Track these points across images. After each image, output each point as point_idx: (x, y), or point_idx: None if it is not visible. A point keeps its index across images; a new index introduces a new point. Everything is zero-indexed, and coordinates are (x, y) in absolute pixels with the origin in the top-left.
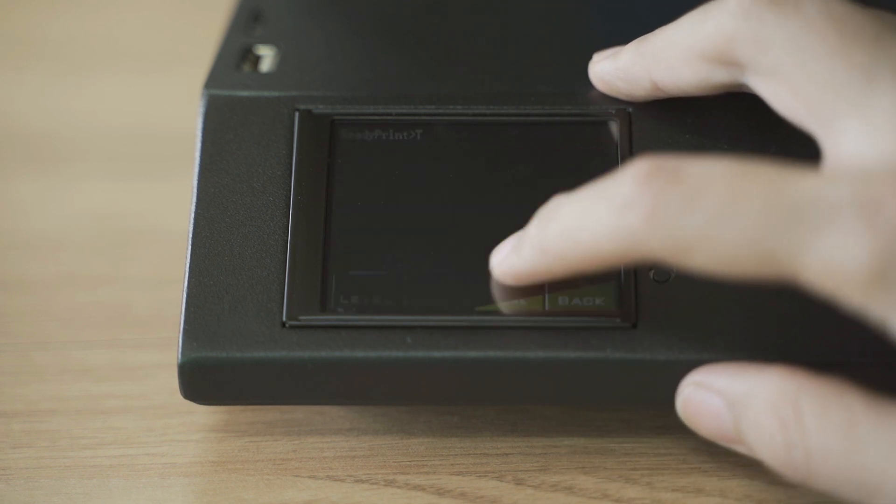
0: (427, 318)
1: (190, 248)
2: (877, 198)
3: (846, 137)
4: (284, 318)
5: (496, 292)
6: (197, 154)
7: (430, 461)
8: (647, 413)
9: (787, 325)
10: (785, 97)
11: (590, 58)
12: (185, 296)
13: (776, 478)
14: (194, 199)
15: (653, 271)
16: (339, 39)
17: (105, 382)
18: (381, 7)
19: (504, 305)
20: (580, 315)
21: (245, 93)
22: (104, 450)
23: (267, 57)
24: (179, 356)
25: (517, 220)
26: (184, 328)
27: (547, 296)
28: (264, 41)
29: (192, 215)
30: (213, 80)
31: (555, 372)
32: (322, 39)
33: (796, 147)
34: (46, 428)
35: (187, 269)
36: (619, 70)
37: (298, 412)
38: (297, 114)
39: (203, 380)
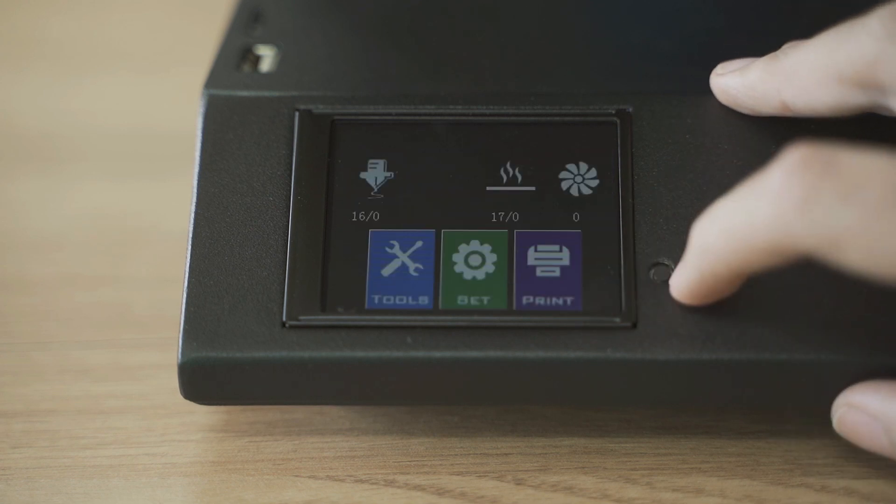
0: (427, 318)
1: (190, 248)
2: None
3: None
4: (284, 318)
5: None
6: (197, 154)
7: (430, 461)
8: (647, 413)
9: (787, 324)
10: None
11: (590, 57)
12: (185, 296)
13: (776, 478)
14: (194, 199)
15: (653, 271)
16: (339, 39)
17: (105, 382)
18: (381, 7)
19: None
20: (580, 315)
21: (245, 93)
22: (104, 450)
23: (267, 57)
24: (179, 356)
25: (517, 219)
26: (184, 328)
27: None
28: (264, 41)
29: (192, 215)
30: (213, 80)
31: (555, 372)
32: (322, 39)
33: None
34: (46, 428)
35: (187, 269)
36: (746, 87)
37: (298, 412)
38: (297, 114)
39: (203, 380)
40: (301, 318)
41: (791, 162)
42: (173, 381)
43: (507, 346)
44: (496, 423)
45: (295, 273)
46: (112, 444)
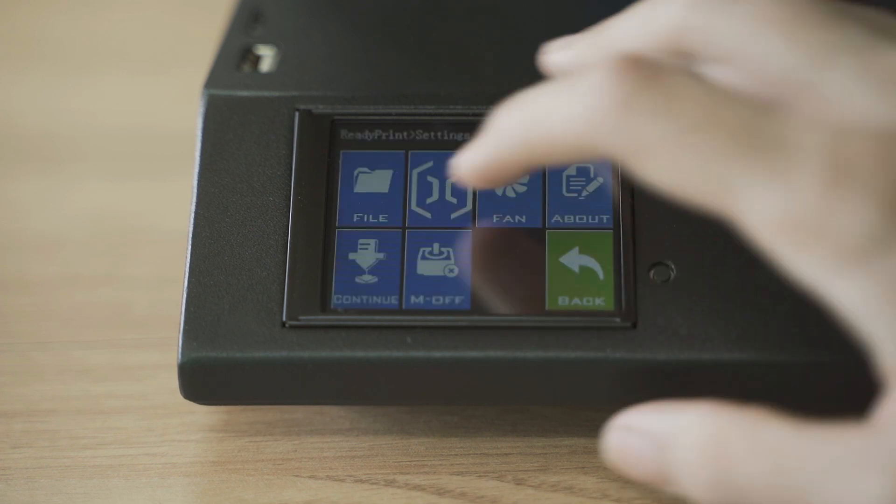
0: (427, 318)
1: (190, 248)
2: (845, 155)
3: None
4: (284, 318)
5: (496, 292)
6: (197, 154)
7: (430, 461)
8: None
9: (787, 324)
10: (741, 82)
11: None
12: (185, 296)
13: None
14: (194, 199)
15: (653, 271)
16: (339, 39)
17: (105, 382)
18: (381, 7)
19: (504, 305)
20: (580, 315)
21: (245, 93)
22: (104, 450)
23: (267, 57)
24: (179, 356)
25: (516, 217)
26: (184, 328)
27: (547, 296)
28: (264, 41)
29: (192, 215)
30: (213, 80)
31: (555, 372)
32: (322, 39)
33: None
34: (46, 428)
35: (187, 269)
36: (574, 59)
37: (298, 412)
38: (297, 114)
39: (203, 380)
40: (301, 318)
41: (615, 65)
42: (173, 381)
43: (508, 346)
44: (496, 423)
45: (295, 273)
46: (112, 444)
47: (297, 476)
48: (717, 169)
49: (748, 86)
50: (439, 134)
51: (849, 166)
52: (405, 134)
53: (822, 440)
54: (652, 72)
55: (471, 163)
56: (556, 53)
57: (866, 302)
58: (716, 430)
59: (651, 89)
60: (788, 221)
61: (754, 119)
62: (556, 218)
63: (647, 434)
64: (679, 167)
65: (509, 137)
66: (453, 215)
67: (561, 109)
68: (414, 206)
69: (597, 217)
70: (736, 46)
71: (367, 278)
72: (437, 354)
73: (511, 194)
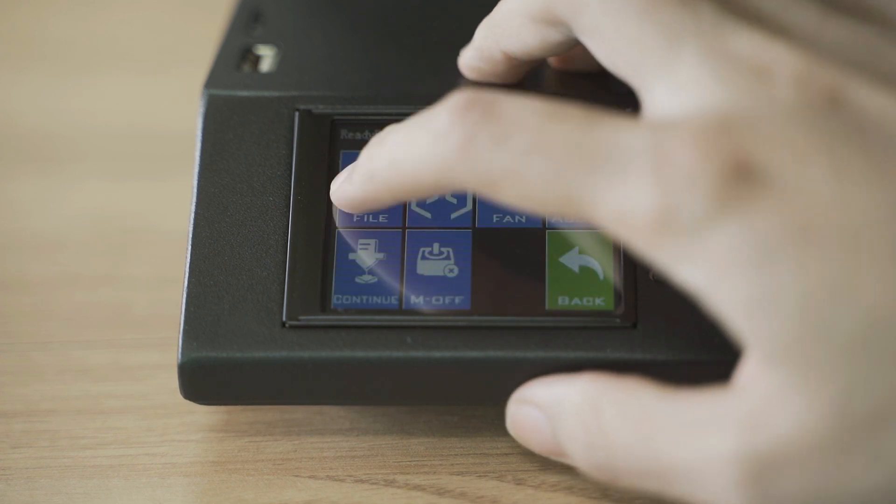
0: (427, 318)
1: (190, 248)
2: (665, 148)
3: (656, 94)
4: (284, 318)
5: (496, 292)
6: (197, 154)
7: (430, 461)
8: None
9: None
10: (605, 55)
11: None
12: (185, 296)
13: None
14: (194, 199)
15: (653, 271)
16: (339, 39)
17: (105, 382)
18: (381, 7)
19: (504, 305)
20: (580, 315)
21: (245, 93)
22: (104, 450)
23: (267, 57)
24: (179, 356)
25: (516, 217)
26: (184, 328)
27: (547, 296)
28: (264, 41)
29: (192, 215)
30: (213, 80)
31: (555, 372)
32: (322, 39)
33: None
34: (46, 428)
35: (187, 269)
36: (476, 51)
37: (298, 412)
38: (297, 114)
39: (203, 380)
40: (301, 318)
41: (455, 104)
42: (173, 381)
43: (508, 346)
44: (496, 423)
45: (295, 273)
46: (112, 444)
47: (297, 476)
48: (560, 182)
49: (612, 61)
50: None
51: (669, 159)
52: None
53: (684, 403)
54: (486, 105)
55: (344, 197)
56: (464, 53)
57: (708, 279)
58: (592, 396)
59: (487, 123)
60: (631, 219)
61: (583, 130)
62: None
63: (539, 405)
64: (528, 189)
65: (374, 177)
66: (453, 215)
67: (415, 151)
68: (414, 206)
69: None
70: (598, 21)
71: (367, 278)
72: (437, 354)
73: None
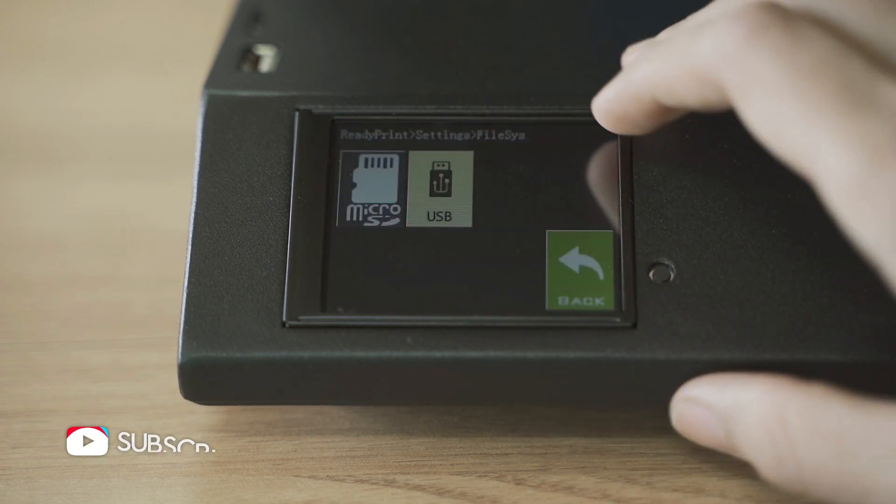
0: (427, 318)
1: (190, 248)
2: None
3: None
4: (284, 318)
5: (497, 292)
6: (197, 154)
7: (430, 461)
8: (647, 413)
9: (787, 324)
10: (764, 131)
11: (590, 57)
12: (185, 296)
13: None
14: (194, 199)
15: (653, 271)
16: (339, 39)
17: (105, 382)
18: (381, 7)
19: (504, 306)
20: (580, 315)
21: (245, 93)
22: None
23: (267, 57)
24: (179, 356)
25: (516, 218)
26: (184, 328)
27: (547, 296)
28: (264, 41)
29: (192, 215)
30: (213, 80)
31: (555, 372)
32: (322, 39)
33: None
34: (46, 428)
35: (187, 269)
36: (622, 94)
37: (298, 412)
38: (297, 114)
39: (203, 380)
40: (301, 318)
41: (751, 3)
42: (173, 381)
43: (507, 346)
44: (496, 423)
45: (295, 273)
46: (112, 444)
47: (297, 476)
48: (811, 122)
49: (768, 139)
50: (439, 134)
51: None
52: (405, 134)
53: (879, 418)
54: (783, 14)
55: (602, 101)
56: (605, 92)
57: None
58: (777, 408)
59: (778, 29)
60: (856, 188)
61: (863, 78)
62: (556, 218)
63: (710, 407)
64: (779, 111)
65: (639, 70)
66: (453, 215)
67: (693, 40)
68: (414, 206)
69: (597, 217)
70: (756, 96)
71: (367, 278)
72: (437, 354)
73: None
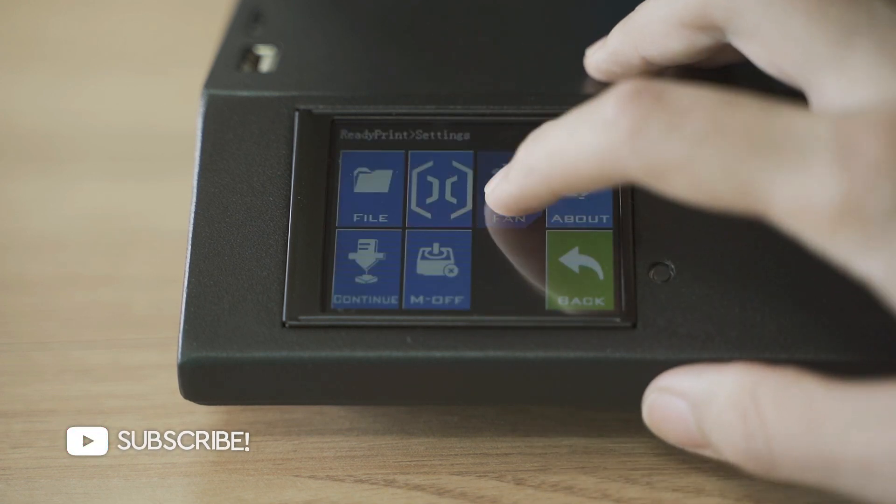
0: (427, 318)
1: (190, 248)
2: (853, 137)
3: (827, 90)
4: (284, 318)
5: (496, 292)
6: (197, 154)
7: (430, 461)
8: None
9: (787, 324)
10: (765, 56)
11: None
12: (185, 296)
13: None
14: (194, 199)
15: (653, 271)
16: (339, 39)
17: (105, 382)
18: (381, 7)
19: (504, 306)
20: (580, 315)
21: (245, 93)
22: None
23: (267, 57)
24: (179, 356)
25: (516, 217)
26: (184, 328)
27: (547, 296)
28: (264, 41)
29: (192, 215)
30: (213, 80)
31: (555, 372)
32: (322, 39)
33: None
34: (46, 428)
35: (187, 269)
36: (610, 55)
37: (298, 412)
38: (297, 114)
39: (203, 380)
40: (301, 318)
41: (623, 92)
42: (173, 381)
43: (507, 346)
44: (496, 423)
45: (295, 273)
46: (112, 444)
47: (297, 476)
48: (736, 172)
49: (773, 61)
50: (439, 134)
51: (857, 149)
52: (405, 134)
53: (850, 396)
54: (656, 94)
55: (500, 197)
56: (596, 54)
57: (889, 272)
58: (749, 385)
59: (659, 110)
60: (811, 209)
61: (760, 119)
62: (556, 218)
63: (684, 394)
64: (700, 179)
65: (532, 171)
66: (453, 215)
67: (579, 141)
68: (414, 206)
69: (597, 217)
70: (759, 23)
71: (367, 278)
72: (437, 354)
73: None
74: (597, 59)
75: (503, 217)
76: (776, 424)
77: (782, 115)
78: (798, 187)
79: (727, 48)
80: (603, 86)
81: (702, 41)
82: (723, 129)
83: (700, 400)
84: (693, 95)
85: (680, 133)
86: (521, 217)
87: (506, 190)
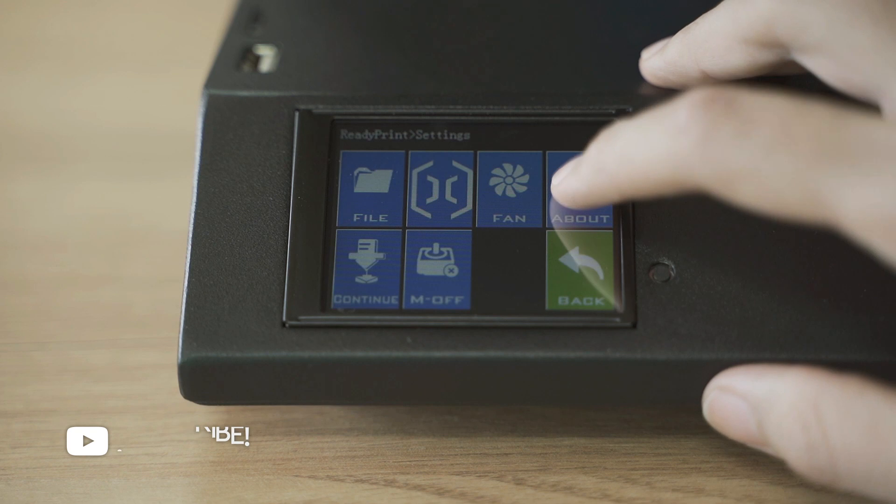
0: (427, 318)
1: (190, 248)
2: None
3: None
4: (284, 318)
5: (496, 292)
6: (197, 154)
7: (430, 461)
8: (647, 413)
9: (787, 324)
10: (833, 69)
11: (590, 57)
12: (185, 296)
13: (776, 478)
14: (194, 199)
15: (653, 271)
16: (339, 39)
17: (105, 382)
18: (381, 7)
19: (504, 306)
20: (580, 315)
21: (245, 93)
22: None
23: (267, 57)
24: (179, 356)
25: (516, 217)
26: (184, 328)
27: (547, 296)
28: (264, 41)
29: (192, 215)
30: (213, 80)
31: (555, 372)
32: (322, 39)
33: None
34: (46, 428)
35: (187, 269)
36: (668, 64)
37: (298, 412)
38: (297, 114)
39: (203, 380)
40: (301, 318)
41: (696, 99)
42: (173, 381)
43: (508, 346)
44: (496, 423)
45: (295, 273)
46: (112, 444)
47: (297, 476)
48: (806, 180)
49: (840, 75)
50: (439, 134)
51: None
52: (405, 134)
53: None
54: (728, 101)
55: (567, 191)
56: (652, 60)
57: None
58: (812, 395)
59: (729, 117)
60: (884, 219)
61: (831, 126)
62: (556, 218)
63: (744, 396)
64: (769, 186)
65: (602, 170)
66: (453, 215)
67: (650, 146)
68: (414, 206)
69: (597, 217)
70: (825, 37)
71: (367, 278)
72: (437, 354)
73: (511, 194)
74: (653, 65)
75: (501, 217)
76: (839, 439)
77: (854, 123)
78: (871, 197)
79: (789, 64)
80: (608, 87)
81: (765, 58)
82: (793, 137)
83: (761, 404)
84: (764, 103)
85: (749, 140)
86: (522, 217)
87: (573, 185)
